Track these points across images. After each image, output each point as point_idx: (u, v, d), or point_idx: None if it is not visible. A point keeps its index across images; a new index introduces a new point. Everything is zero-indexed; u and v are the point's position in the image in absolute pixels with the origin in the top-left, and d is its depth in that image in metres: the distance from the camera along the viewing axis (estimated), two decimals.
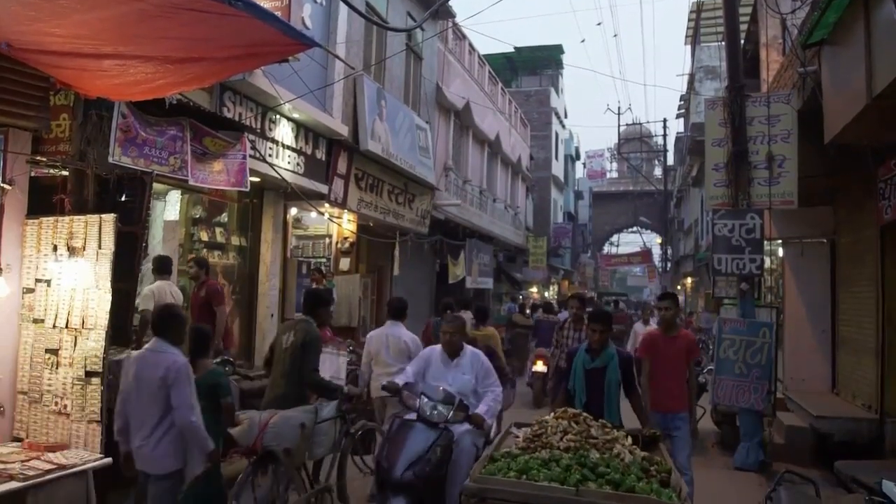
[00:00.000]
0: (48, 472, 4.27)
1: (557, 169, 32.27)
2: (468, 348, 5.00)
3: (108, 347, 4.82)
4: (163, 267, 6.68)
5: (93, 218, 4.98)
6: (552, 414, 4.03)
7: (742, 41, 9.94)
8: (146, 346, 4.32)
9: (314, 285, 10.48)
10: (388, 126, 11.71)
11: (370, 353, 6.26)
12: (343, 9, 10.07)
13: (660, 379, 5.49)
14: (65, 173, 5.34)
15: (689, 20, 23.14)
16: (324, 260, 11.45)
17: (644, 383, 5.53)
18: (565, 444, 3.55)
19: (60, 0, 3.28)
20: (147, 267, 6.69)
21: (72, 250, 4.97)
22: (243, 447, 4.57)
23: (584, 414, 3.92)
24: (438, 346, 4.99)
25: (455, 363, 4.85)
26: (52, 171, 5.35)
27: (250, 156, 7.49)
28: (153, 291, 6.33)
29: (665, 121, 34.67)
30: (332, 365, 6.26)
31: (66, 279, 4.96)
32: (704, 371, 8.85)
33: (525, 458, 3.36)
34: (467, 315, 10.47)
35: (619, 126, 35.75)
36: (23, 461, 4.37)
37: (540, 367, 10.76)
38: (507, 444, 3.86)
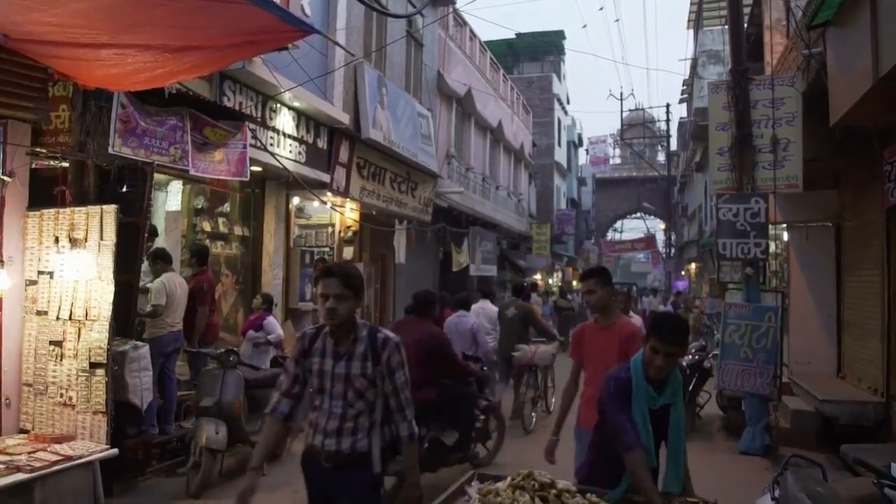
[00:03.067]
0: (54, 463, 4.30)
1: (560, 155, 32.15)
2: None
3: (112, 338, 4.83)
4: (166, 259, 6.61)
5: (94, 209, 4.98)
6: (509, 479, 2.76)
7: (745, 24, 9.84)
8: (456, 314, 7.84)
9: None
10: (390, 114, 11.65)
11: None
12: None
13: (592, 384, 4.02)
14: (65, 165, 5.34)
15: (692, 4, 22.94)
16: (327, 249, 11.44)
17: (566, 390, 4.29)
18: None
19: None
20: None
21: (73, 242, 4.97)
22: (524, 362, 8.68)
23: (563, 485, 2.68)
24: None
25: None
26: (52, 162, 5.35)
27: (251, 145, 7.47)
28: (164, 284, 6.27)
29: (668, 106, 34.38)
30: None
31: (69, 271, 4.96)
32: (710, 356, 8.84)
33: None
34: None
35: (621, 112, 35.48)
36: (29, 453, 4.39)
37: None
38: None
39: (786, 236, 10.18)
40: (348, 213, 11.41)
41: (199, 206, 8.72)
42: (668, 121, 33.63)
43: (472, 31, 18.43)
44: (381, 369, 2.90)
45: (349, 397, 2.90)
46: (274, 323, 7.69)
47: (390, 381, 2.91)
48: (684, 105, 29.88)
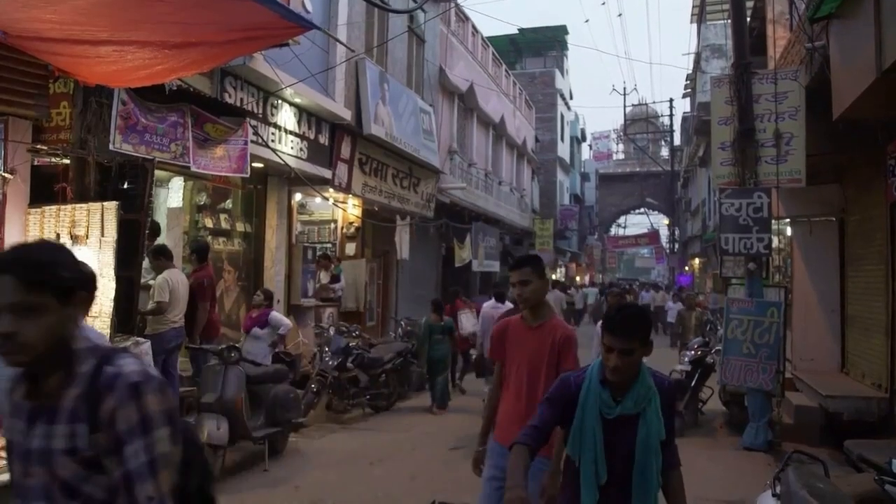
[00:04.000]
0: None
1: (563, 151, 32.09)
2: None
3: (113, 335, 4.83)
4: (168, 255, 6.61)
5: (95, 206, 4.98)
6: None
7: (748, 18, 9.79)
8: (490, 303, 9.29)
9: (321, 272, 10.49)
10: (392, 109, 11.64)
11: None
12: None
13: (511, 392, 3.40)
14: (66, 162, 5.33)
15: None
16: (329, 245, 11.46)
17: (491, 396, 3.62)
18: None
19: None
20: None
21: (75, 239, 4.97)
22: None
23: None
24: None
25: None
26: (53, 159, 5.34)
27: (252, 141, 7.46)
28: (167, 281, 6.25)
29: (671, 101, 34.51)
30: (467, 320, 10.64)
31: None
32: (713, 352, 8.83)
33: None
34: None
35: (624, 107, 35.50)
36: None
37: None
38: None
39: (789, 231, 10.15)
40: (350, 209, 11.41)
41: (201, 203, 8.72)
42: (671, 116, 33.62)
43: (474, 26, 18.39)
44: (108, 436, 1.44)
45: (55, 499, 1.47)
46: (279, 317, 7.73)
47: (117, 461, 1.43)
48: (687, 100, 29.81)
